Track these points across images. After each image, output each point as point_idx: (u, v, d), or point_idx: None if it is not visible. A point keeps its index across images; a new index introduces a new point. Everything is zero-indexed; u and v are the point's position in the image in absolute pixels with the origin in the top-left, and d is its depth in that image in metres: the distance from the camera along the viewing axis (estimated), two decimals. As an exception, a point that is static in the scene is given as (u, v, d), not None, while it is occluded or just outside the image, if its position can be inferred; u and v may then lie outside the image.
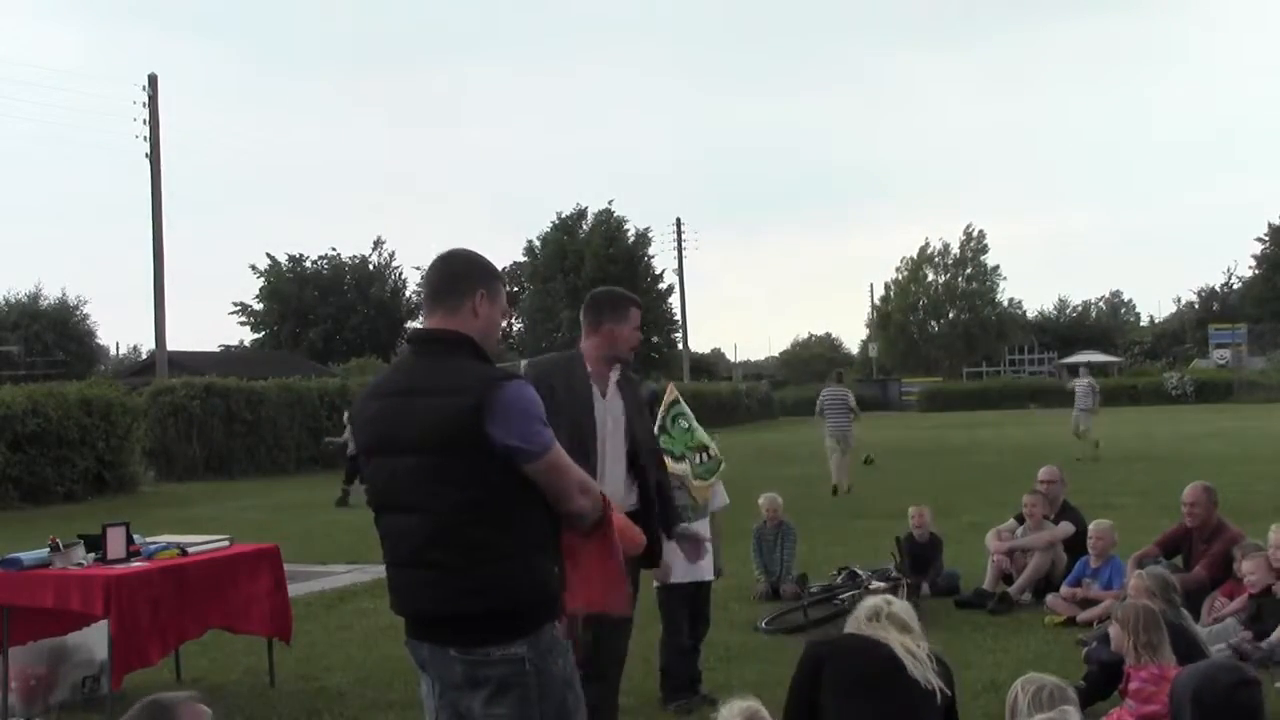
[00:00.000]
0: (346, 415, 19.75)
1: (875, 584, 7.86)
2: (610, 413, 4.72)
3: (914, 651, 3.67)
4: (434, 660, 3.00)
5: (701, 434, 6.12)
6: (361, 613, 8.60)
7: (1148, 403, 48.96)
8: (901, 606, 3.87)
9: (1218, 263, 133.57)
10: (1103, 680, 5.25)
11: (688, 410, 6.20)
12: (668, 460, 5.92)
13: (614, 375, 4.79)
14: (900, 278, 76.35)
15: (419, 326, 3.13)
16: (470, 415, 2.81)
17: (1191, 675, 4.07)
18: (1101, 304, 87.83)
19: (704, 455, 6.05)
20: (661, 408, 6.19)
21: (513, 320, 64.86)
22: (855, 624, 3.84)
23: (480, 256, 3.11)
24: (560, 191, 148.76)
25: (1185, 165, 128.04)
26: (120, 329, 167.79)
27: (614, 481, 4.60)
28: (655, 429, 6.08)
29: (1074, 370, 63.38)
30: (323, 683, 6.53)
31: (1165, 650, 4.58)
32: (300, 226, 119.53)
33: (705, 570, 5.90)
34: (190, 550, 6.16)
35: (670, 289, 61.60)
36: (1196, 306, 74.61)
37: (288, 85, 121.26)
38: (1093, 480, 15.47)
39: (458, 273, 3.04)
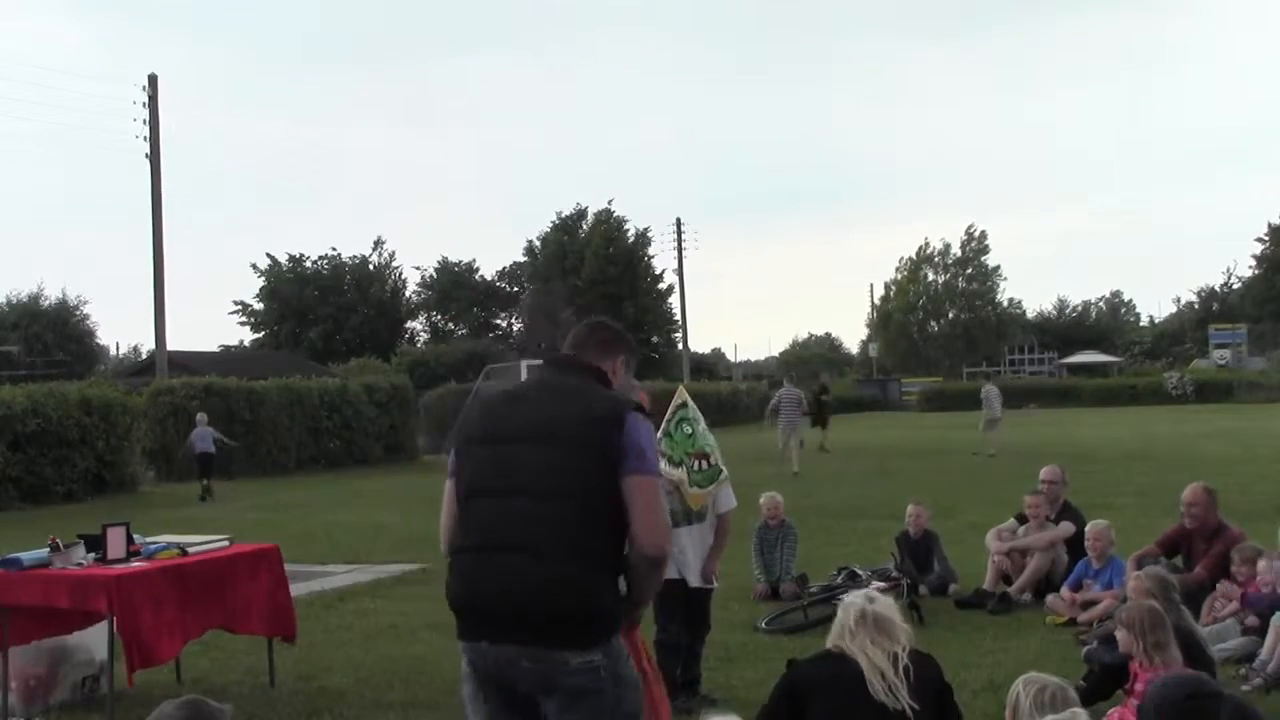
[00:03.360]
0: (198, 417, 21.30)
1: (875, 584, 7.85)
2: None
3: (883, 670, 3.58)
4: (496, 661, 3.00)
5: (705, 440, 5.99)
6: (361, 613, 8.60)
7: (1148, 403, 48.93)
8: (884, 604, 3.80)
9: (1218, 263, 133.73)
10: (1104, 681, 5.24)
11: (694, 415, 6.06)
12: (664, 465, 5.89)
13: None
14: (900, 278, 76.38)
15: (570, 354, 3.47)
16: (607, 421, 3.08)
17: (1156, 690, 4.06)
18: (1101, 304, 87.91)
19: (703, 462, 5.92)
20: (668, 410, 6.14)
21: (513, 320, 64.94)
22: (839, 632, 3.76)
23: (627, 334, 3.63)
24: (560, 191, 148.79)
25: (1185, 165, 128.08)
26: (120, 329, 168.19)
27: None
28: (659, 433, 6.06)
29: (1073, 369, 63.52)
30: (323, 683, 6.52)
31: (1172, 649, 4.58)
32: (300, 226, 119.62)
33: (691, 573, 5.85)
34: (190, 550, 6.15)
35: (670, 289, 61.64)
36: (1196, 306, 74.62)
37: (288, 85, 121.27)
38: (1093, 480, 15.46)
39: (611, 339, 3.49)
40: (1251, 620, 6.40)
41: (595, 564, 2.99)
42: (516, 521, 3.01)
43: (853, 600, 3.85)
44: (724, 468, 6.06)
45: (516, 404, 3.26)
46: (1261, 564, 6.56)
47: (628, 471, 3.02)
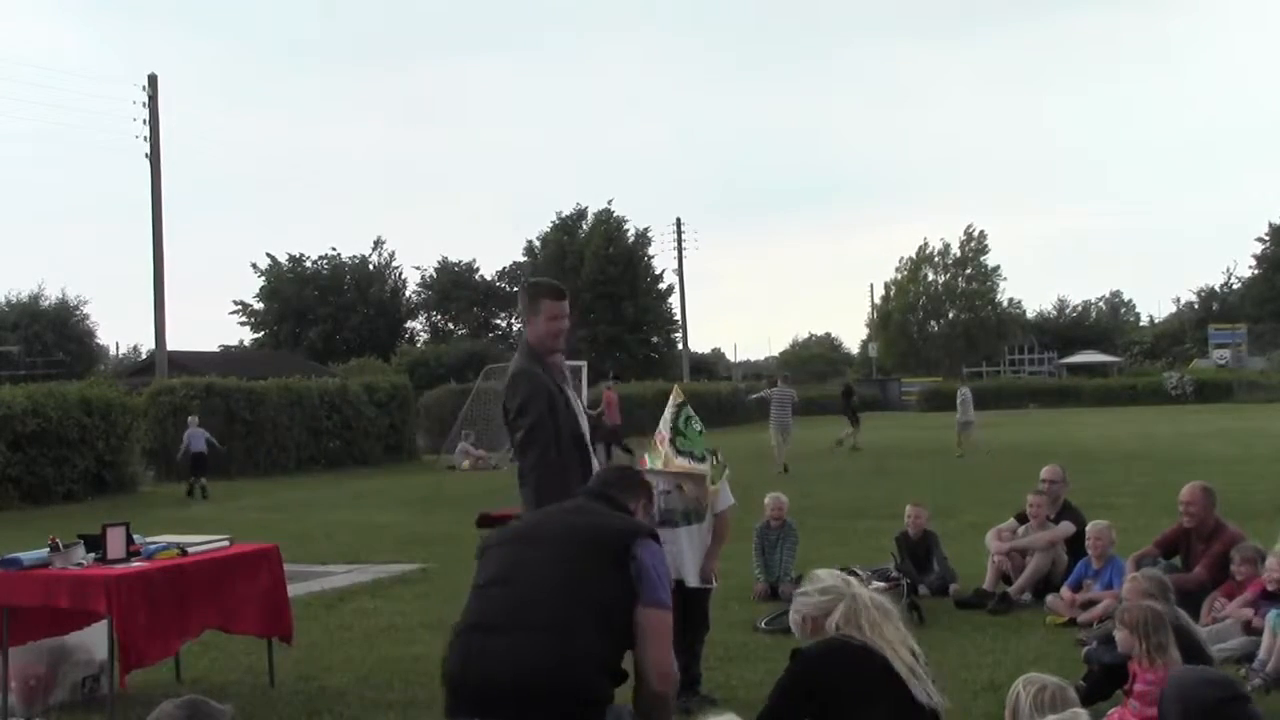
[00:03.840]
0: (190, 419, 21.61)
1: (875, 584, 7.85)
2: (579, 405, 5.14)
3: (911, 666, 3.45)
4: None
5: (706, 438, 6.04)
6: (361, 613, 8.60)
7: (1148, 403, 48.95)
8: (860, 583, 3.73)
9: (1218, 263, 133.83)
10: (1104, 681, 5.24)
11: (692, 413, 6.07)
12: (688, 463, 5.83)
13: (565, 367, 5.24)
14: (900, 278, 76.34)
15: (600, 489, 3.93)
16: (623, 535, 3.41)
17: (1179, 686, 4.05)
18: (1101, 304, 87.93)
19: (715, 458, 5.99)
20: (670, 409, 6.12)
21: (513, 320, 64.91)
22: (848, 618, 3.54)
23: (650, 482, 4.15)
24: (560, 191, 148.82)
25: (1185, 165, 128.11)
26: (120, 329, 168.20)
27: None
28: (668, 433, 6.04)
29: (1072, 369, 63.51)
30: (323, 683, 6.51)
31: (1172, 650, 4.57)
32: (300, 226, 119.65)
33: (690, 574, 5.81)
34: (190, 550, 6.15)
35: (670, 289, 61.66)
36: (1196, 306, 74.58)
37: (287, 85, 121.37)
38: (1093, 480, 15.46)
39: (635, 482, 4.01)
40: (1256, 620, 6.38)
41: (593, 657, 3.11)
42: (519, 607, 3.17)
43: (835, 584, 3.67)
44: (725, 463, 6.14)
45: (541, 517, 3.69)
46: (1271, 561, 6.54)
47: (645, 603, 3.24)
